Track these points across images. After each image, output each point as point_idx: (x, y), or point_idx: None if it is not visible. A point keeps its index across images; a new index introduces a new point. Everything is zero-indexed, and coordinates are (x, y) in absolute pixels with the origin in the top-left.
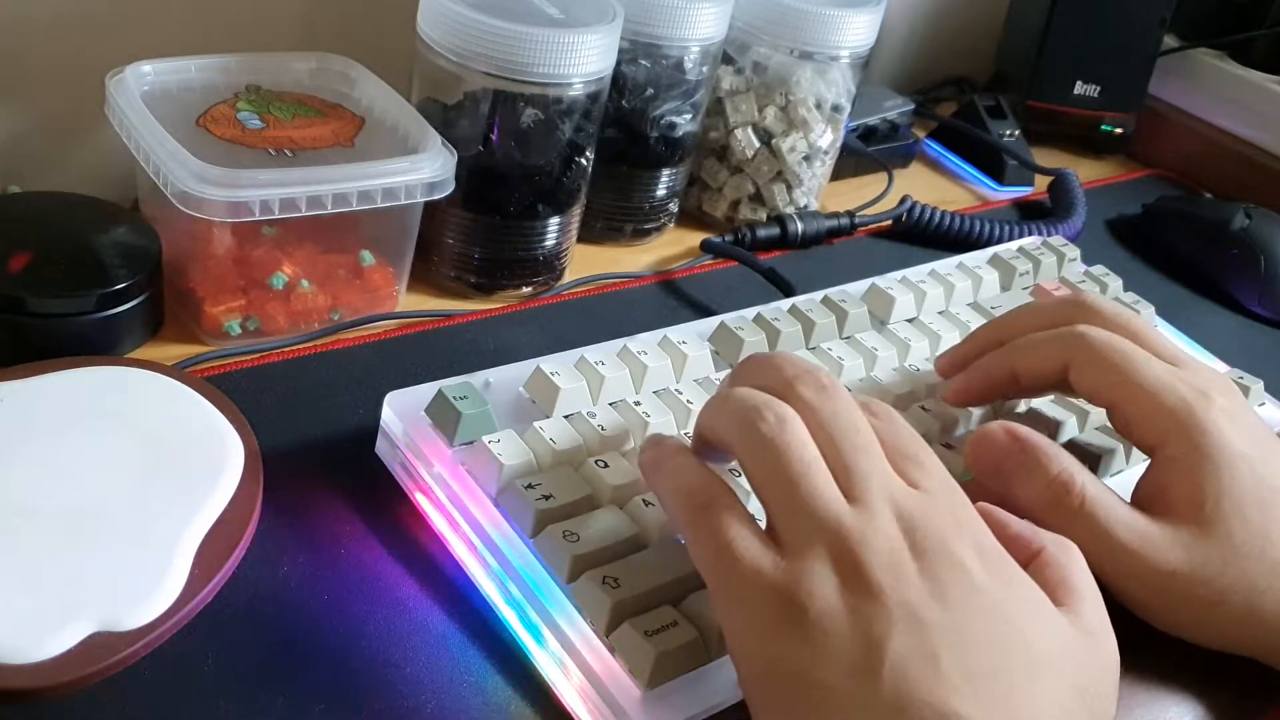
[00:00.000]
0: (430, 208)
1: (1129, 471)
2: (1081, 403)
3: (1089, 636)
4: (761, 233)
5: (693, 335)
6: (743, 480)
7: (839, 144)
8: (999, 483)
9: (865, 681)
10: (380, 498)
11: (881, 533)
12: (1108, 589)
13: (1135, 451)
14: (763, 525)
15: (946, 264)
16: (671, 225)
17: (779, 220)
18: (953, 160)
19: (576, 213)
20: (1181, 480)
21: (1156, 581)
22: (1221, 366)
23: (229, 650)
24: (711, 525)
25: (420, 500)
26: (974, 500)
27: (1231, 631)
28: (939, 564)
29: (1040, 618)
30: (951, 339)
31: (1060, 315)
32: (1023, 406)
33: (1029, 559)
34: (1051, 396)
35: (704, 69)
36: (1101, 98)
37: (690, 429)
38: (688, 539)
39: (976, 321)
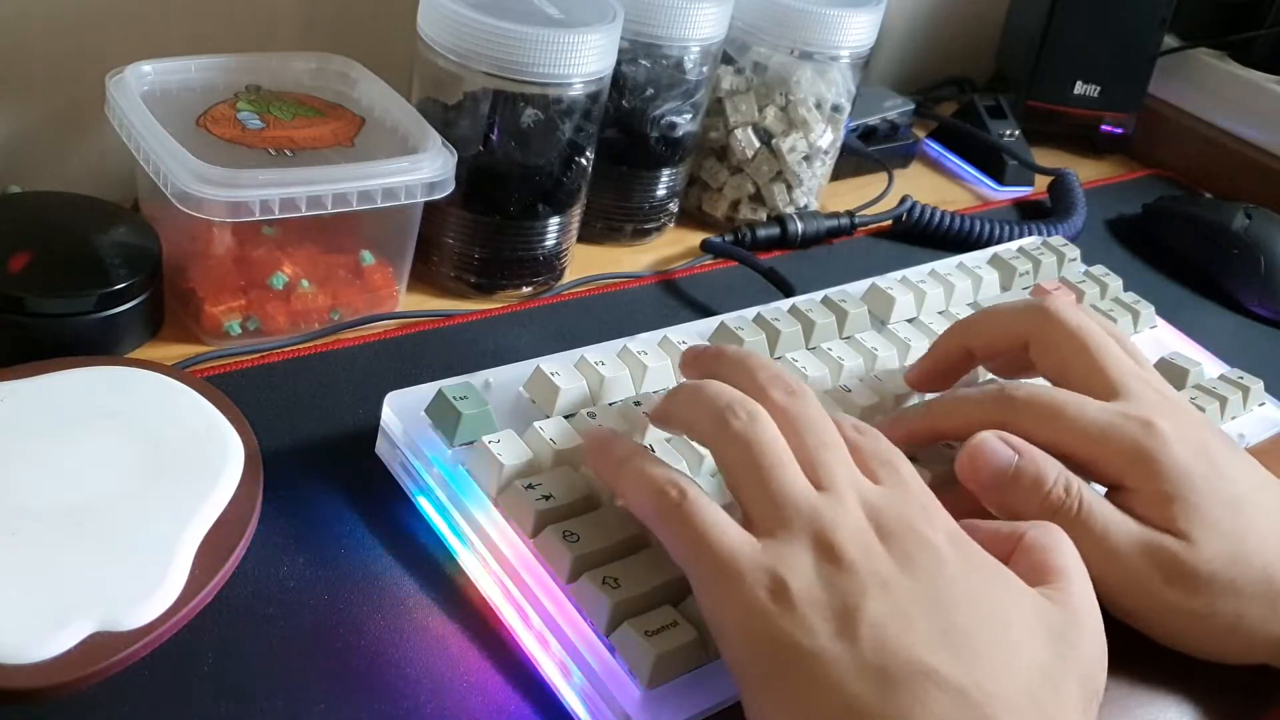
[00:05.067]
0: (430, 208)
1: None
2: None
3: (1069, 610)
4: (761, 233)
5: (693, 335)
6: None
7: (839, 144)
8: (994, 493)
9: (847, 643)
10: (380, 498)
11: (849, 515)
12: (1103, 601)
13: None
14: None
15: (946, 264)
16: (671, 225)
17: (779, 220)
18: (953, 160)
19: (576, 213)
20: (1149, 510)
21: (1152, 587)
22: (1222, 366)
23: (229, 650)
24: (686, 518)
25: (420, 500)
26: (957, 514)
27: (1222, 641)
28: (906, 543)
29: (1010, 590)
30: None
31: (1022, 325)
32: None
33: (1011, 548)
34: None
35: (704, 69)
36: (1101, 98)
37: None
38: (664, 536)
39: None
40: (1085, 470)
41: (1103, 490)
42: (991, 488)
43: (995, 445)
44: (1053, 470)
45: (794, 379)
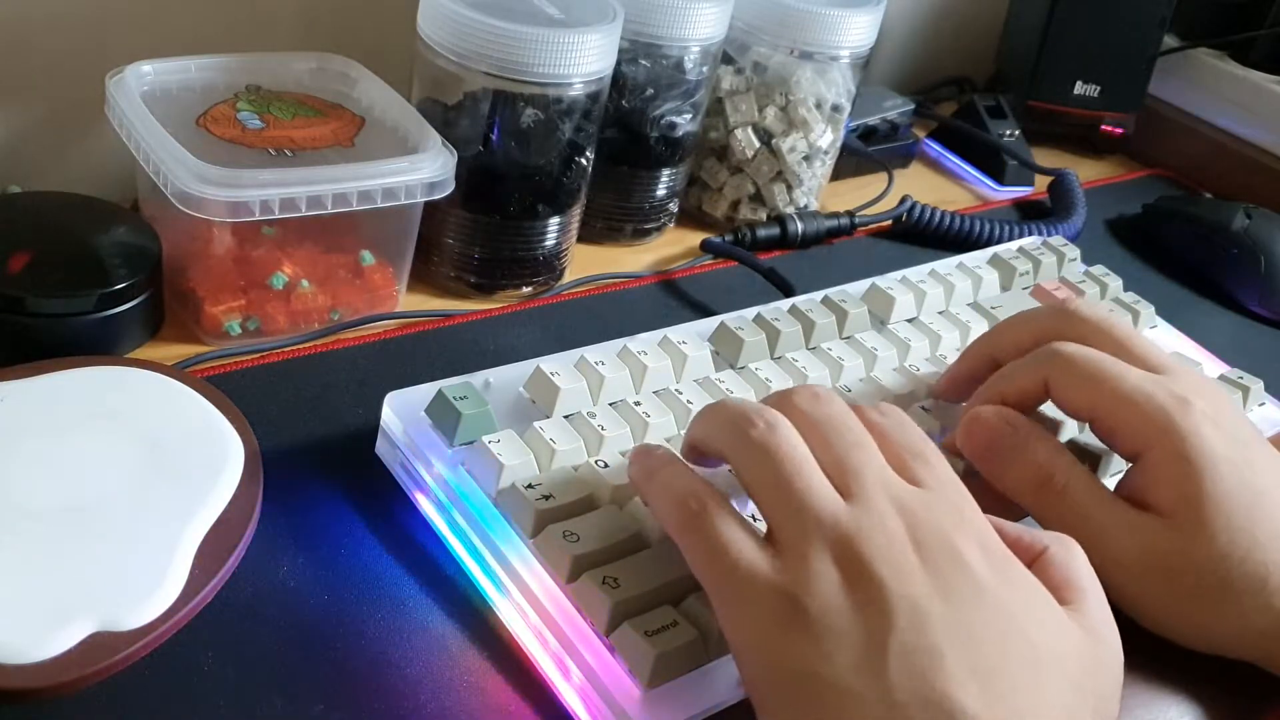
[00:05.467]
0: (430, 208)
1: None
2: None
3: (1092, 634)
4: (761, 233)
5: (693, 335)
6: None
7: (839, 144)
8: (988, 462)
9: (870, 677)
10: (380, 498)
11: (880, 526)
12: None
13: None
14: (760, 530)
15: (946, 264)
16: (671, 225)
17: (779, 220)
18: (953, 160)
19: (576, 213)
20: (1164, 485)
21: (1134, 568)
22: (1222, 366)
23: (229, 650)
24: (706, 531)
25: (420, 501)
26: (986, 502)
27: (1205, 629)
28: (941, 558)
29: (1044, 616)
30: (951, 339)
31: (1046, 325)
32: None
33: (1032, 560)
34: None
35: (704, 69)
36: (1101, 98)
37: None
38: (683, 546)
39: (977, 321)
40: (1113, 438)
41: (1122, 468)
42: (985, 455)
43: (991, 418)
44: (1045, 446)
45: (819, 386)
